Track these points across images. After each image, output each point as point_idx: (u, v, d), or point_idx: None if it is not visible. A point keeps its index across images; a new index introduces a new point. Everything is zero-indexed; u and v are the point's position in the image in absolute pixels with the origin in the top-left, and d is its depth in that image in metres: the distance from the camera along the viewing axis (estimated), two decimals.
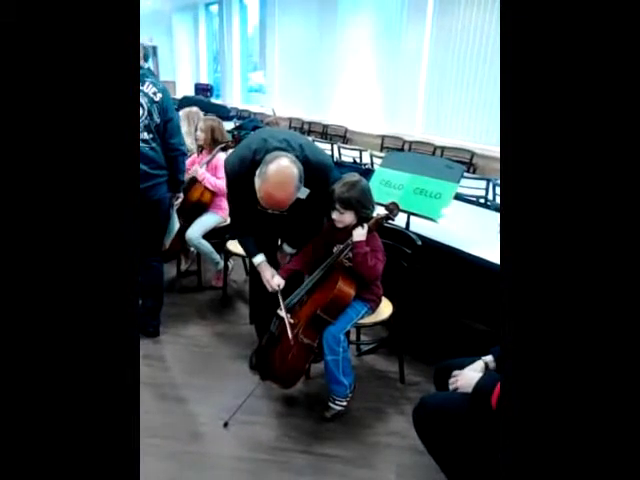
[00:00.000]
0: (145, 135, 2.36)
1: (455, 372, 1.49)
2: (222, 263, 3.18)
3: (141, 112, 2.33)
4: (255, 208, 1.97)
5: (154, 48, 10.39)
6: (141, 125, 2.33)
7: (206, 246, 3.08)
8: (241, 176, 1.94)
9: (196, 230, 3.03)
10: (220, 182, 3.00)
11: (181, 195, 2.78)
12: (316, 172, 1.96)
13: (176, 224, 2.81)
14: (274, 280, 2.08)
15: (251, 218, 2.12)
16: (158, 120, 2.38)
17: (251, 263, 2.28)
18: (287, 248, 2.25)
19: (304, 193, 1.90)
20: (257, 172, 1.83)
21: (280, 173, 1.79)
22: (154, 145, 2.40)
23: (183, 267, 3.53)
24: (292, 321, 2.01)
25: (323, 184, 2.00)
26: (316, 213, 2.14)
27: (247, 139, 2.10)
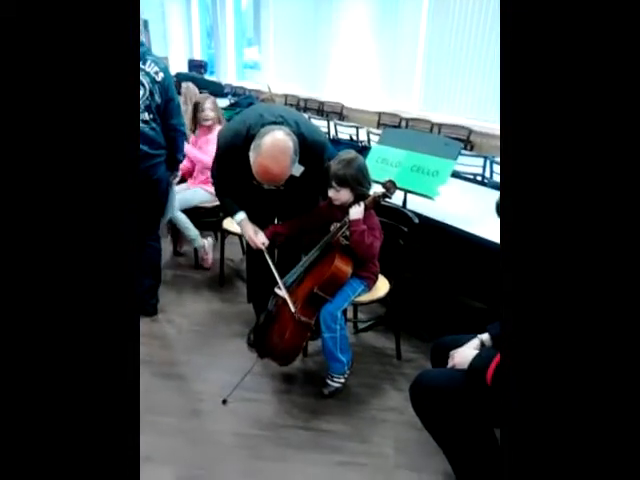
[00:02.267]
0: (146, 116, 2.32)
1: (452, 352, 1.50)
2: (200, 240, 3.14)
3: (142, 92, 2.28)
4: (249, 184, 1.95)
5: (145, 22, 10.15)
6: (142, 105, 2.30)
7: (182, 220, 3.03)
8: (234, 149, 1.92)
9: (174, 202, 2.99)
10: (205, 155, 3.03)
11: (179, 174, 2.77)
12: (311, 149, 1.94)
13: (175, 203, 2.81)
14: (258, 237, 2.07)
15: (244, 195, 2.10)
16: (159, 100, 2.34)
17: (248, 242, 2.27)
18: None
19: (298, 170, 1.88)
20: (252, 146, 1.81)
21: (275, 146, 1.77)
22: (154, 125, 2.37)
23: (181, 249, 3.52)
24: (290, 299, 2.02)
25: (318, 161, 1.99)
26: (310, 191, 2.12)
27: (242, 114, 2.07)
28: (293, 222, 2.17)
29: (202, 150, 3.11)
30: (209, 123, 3.08)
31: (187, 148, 2.97)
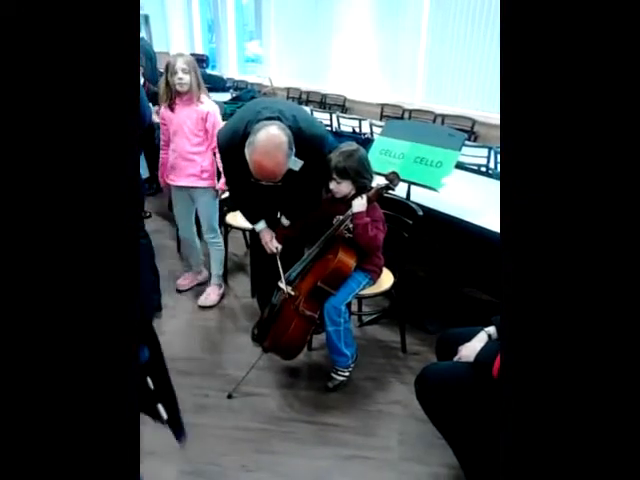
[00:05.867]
0: None
1: (460, 347, 1.49)
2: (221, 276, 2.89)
3: None
4: (250, 181, 1.94)
5: (146, 17, 10.12)
6: None
7: (219, 245, 2.81)
8: (234, 148, 1.90)
9: (206, 222, 2.74)
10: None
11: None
12: (309, 143, 1.92)
13: None
14: (273, 242, 2.13)
15: (248, 191, 2.09)
16: None
17: (251, 236, 2.26)
18: (285, 221, 2.23)
19: (297, 165, 1.86)
20: (246, 143, 1.80)
21: (269, 141, 1.75)
22: None
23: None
24: (292, 293, 2.01)
25: (317, 155, 1.97)
26: (312, 185, 2.11)
27: (241, 110, 2.06)
28: (299, 222, 2.18)
29: (179, 134, 2.52)
30: (184, 88, 2.42)
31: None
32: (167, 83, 2.45)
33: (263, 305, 2.32)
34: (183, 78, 2.40)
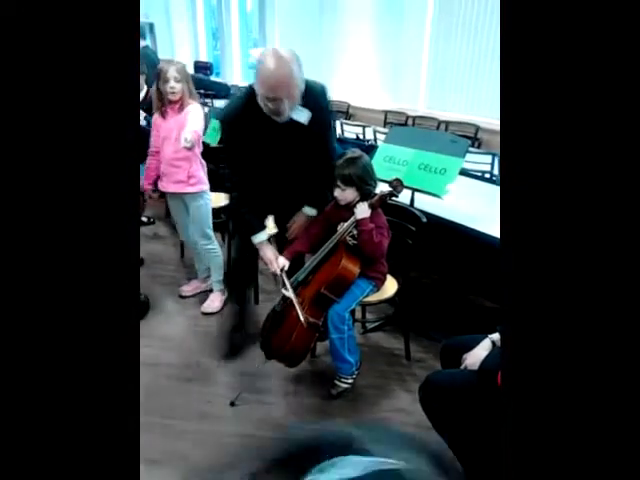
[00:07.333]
0: None
1: (465, 355, 1.48)
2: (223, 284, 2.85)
3: None
4: (257, 160, 1.93)
5: (151, 25, 10.21)
6: None
7: (215, 251, 2.76)
8: (238, 117, 1.92)
9: (198, 228, 2.69)
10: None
11: None
12: (313, 91, 1.92)
13: None
14: (279, 261, 2.05)
15: (252, 170, 2.02)
16: None
17: (242, 234, 2.20)
18: (308, 210, 2.15)
19: (305, 117, 1.86)
20: (255, 70, 1.81)
21: (277, 52, 1.76)
22: None
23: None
24: (297, 300, 2.00)
25: (321, 106, 1.96)
26: (319, 151, 2.03)
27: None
28: (308, 237, 2.10)
29: (167, 141, 2.51)
30: (176, 97, 2.43)
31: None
32: (159, 90, 2.45)
33: (238, 295, 2.36)
34: (175, 87, 2.41)
